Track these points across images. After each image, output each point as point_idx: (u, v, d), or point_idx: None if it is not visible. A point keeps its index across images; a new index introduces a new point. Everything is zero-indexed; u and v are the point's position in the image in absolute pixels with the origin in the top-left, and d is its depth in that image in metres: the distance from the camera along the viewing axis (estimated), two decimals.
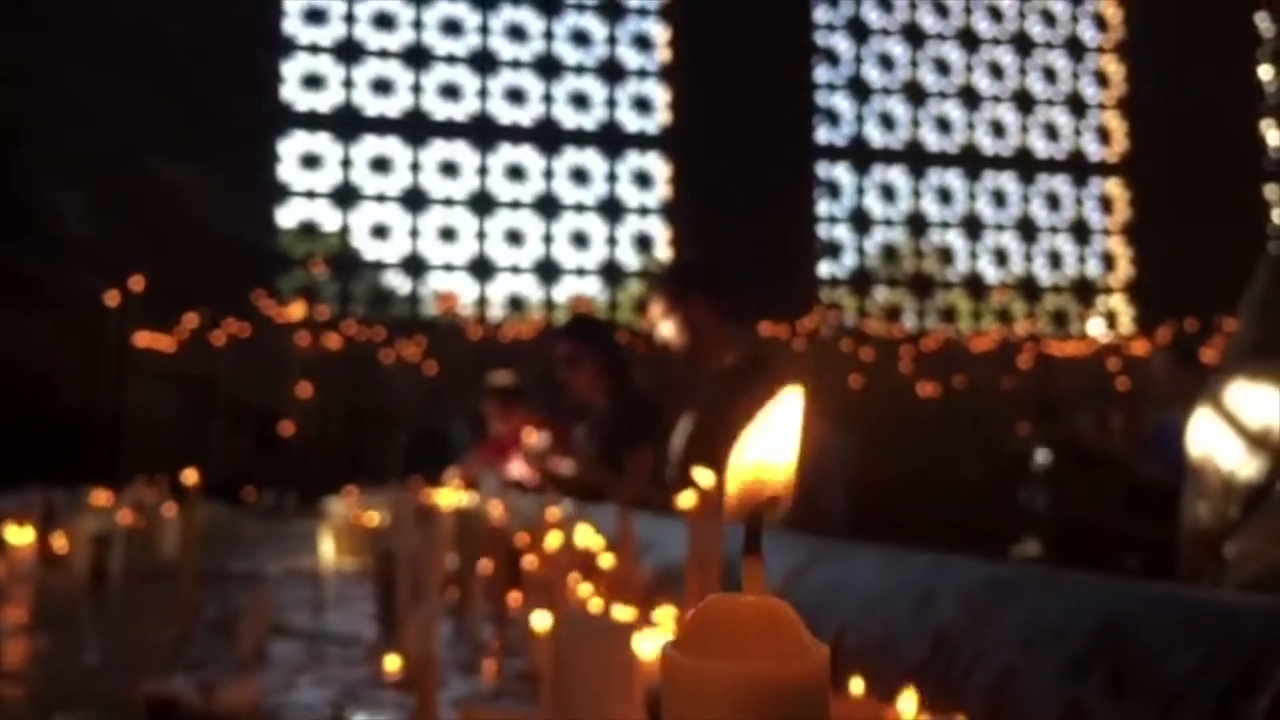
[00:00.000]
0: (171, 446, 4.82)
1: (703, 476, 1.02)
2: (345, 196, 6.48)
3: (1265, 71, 7.97)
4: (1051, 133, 7.64)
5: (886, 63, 7.39)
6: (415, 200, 6.56)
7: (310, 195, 6.43)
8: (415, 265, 6.55)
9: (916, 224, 7.36)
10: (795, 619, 0.32)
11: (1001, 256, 7.48)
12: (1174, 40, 7.40)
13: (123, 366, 5.41)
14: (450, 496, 2.43)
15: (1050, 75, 7.69)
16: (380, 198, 6.53)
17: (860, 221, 7.20)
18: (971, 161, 7.46)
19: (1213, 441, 2.05)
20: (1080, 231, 7.61)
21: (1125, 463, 4.96)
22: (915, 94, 7.40)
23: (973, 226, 7.43)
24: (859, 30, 7.33)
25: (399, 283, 6.70)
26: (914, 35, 7.44)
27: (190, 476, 1.72)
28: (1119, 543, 4.48)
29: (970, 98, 7.51)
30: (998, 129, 7.54)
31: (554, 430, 3.90)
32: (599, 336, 3.88)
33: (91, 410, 5.27)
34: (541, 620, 1.06)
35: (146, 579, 2.13)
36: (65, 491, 2.67)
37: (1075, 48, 7.75)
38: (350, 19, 6.60)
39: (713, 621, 0.32)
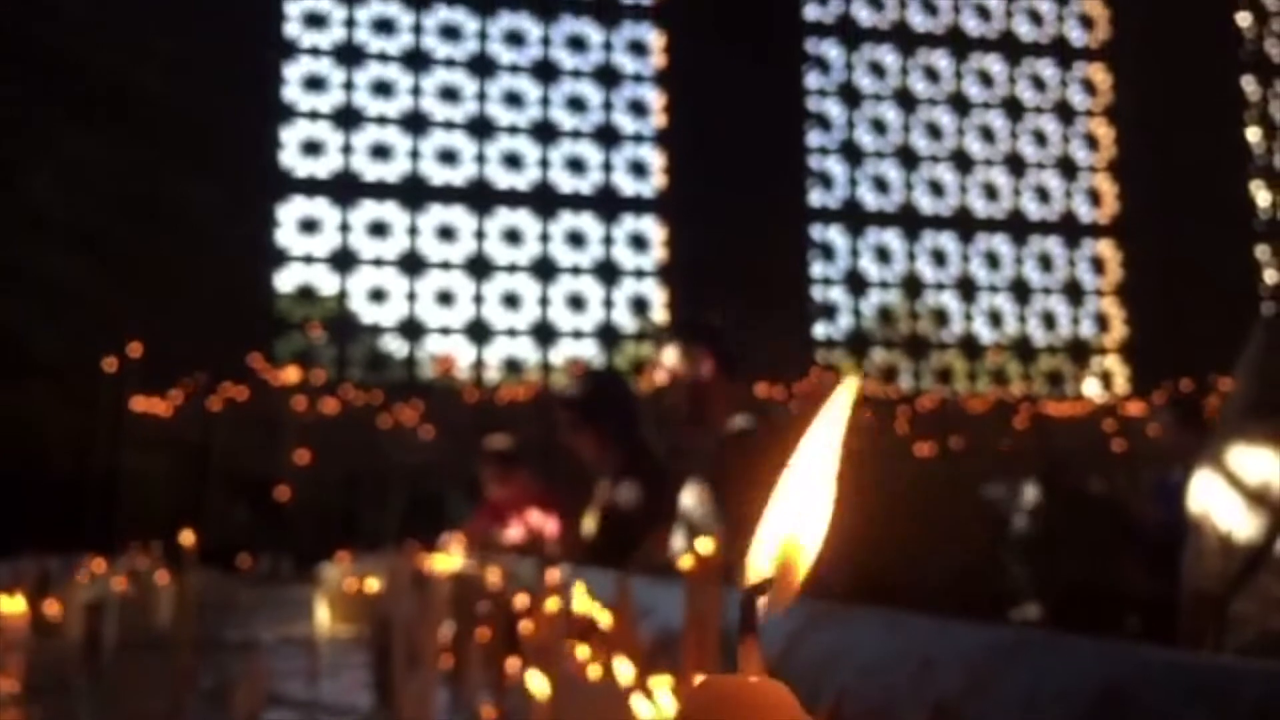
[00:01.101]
0: (167, 512, 4.80)
1: (702, 544, 1.01)
2: (343, 261, 6.52)
3: (1253, 133, 8.07)
4: (1043, 195, 7.71)
5: (879, 127, 7.48)
6: (413, 264, 6.60)
7: (308, 260, 6.47)
8: (412, 329, 6.57)
9: (911, 286, 7.41)
10: (790, 699, 0.32)
11: (996, 318, 7.52)
12: (1162, 103, 7.51)
13: (119, 431, 5.39)
14: (447, 561, 2.41)
15: (1041, 139, 7.79)
16: (378, 262, 6.57)
17: (855, 283, 7.24)
18: (965, 224, 7.53)
19: (1212, 501, 2.05)
20: (1073, 293, 7.65)
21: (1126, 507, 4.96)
22: (908, 158, 7.48)
23: (967, 288, 7.48)
24: (851, 95, 7.43)
25: (396, 346, 6.72)
26: (906, 100, 7.54)
27: (186, 540, 1.71)
28: (1120, 604, 4.45)
29: (962, 161, 7.59)
30: (990, 192, 7.62)
31: (550, 496, 3.87)
32: (602, 404, 3.61)
33: (87, 476, 5.24)
34: (539, 687, 1.06)
35: (141, 647, 2.11)
36: (59, 559, 2.65)
37: (1065, 111, 7.86)
38: (349, 86, 6.68)
39: (709, 702, 0.32)
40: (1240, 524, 1.99)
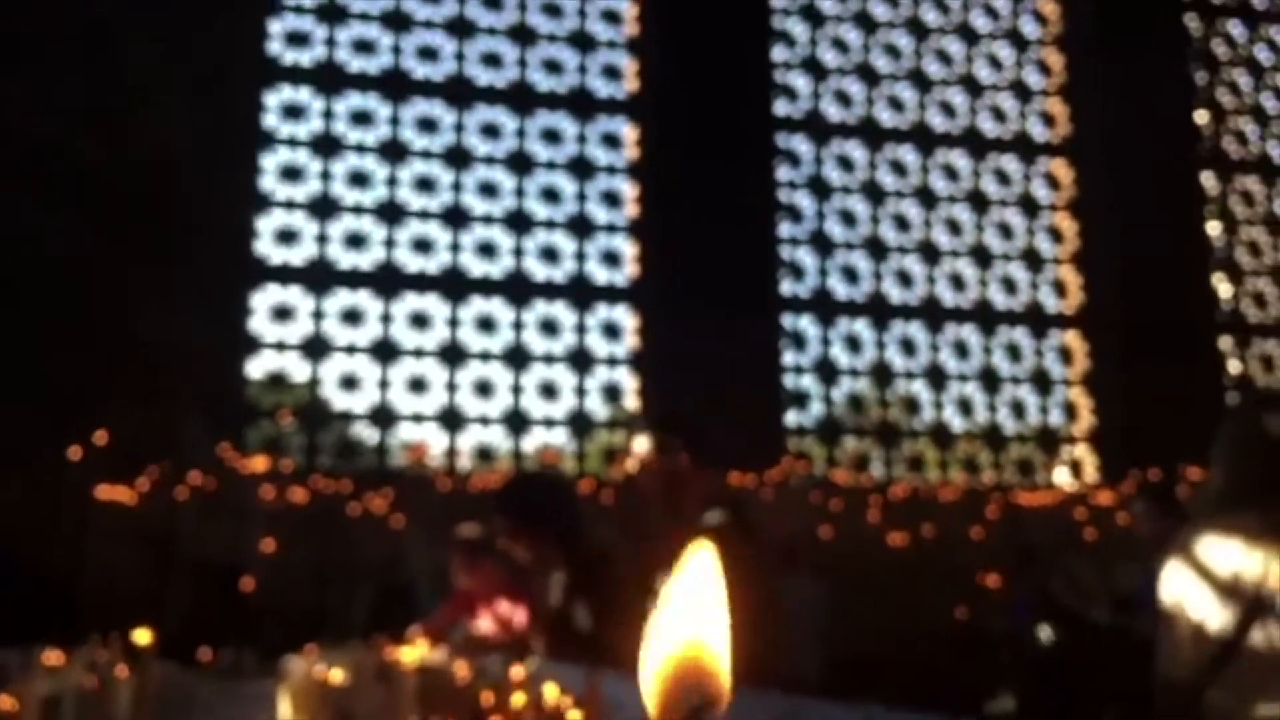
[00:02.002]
0: (130, 603, 4.71)
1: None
2: (315, 348, 6.50)
3: (1213, 227, 8.26)
4: (1009, 286, 7.83)
5: (848, 219, 7.60)
6: (385, 352, 6.60)
7: (280, 347, 6.46)
8: (384, 416, 6.54)
9: (881, 374, 7.46)
10: None
11: (966, 406, 7.57)
12: (1124, 198, 7.68)
13: (83, 520, 5.31)
14: (414, 653, 2.37)
15: (1006, 231, 7.93)
16: (350, 349, 6.57)
17: (826, 372, 7.29)
18: (933, 314, 7.62)
19: (1184, 591, 2.05)
20: (1041, 382, 7.73)
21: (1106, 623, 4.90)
22: (877, 249, 7.60)
23: (936, 377, 7.54)
24: (821, 188, 7.56)
25: (367, 434, 6.68)
26: (874, 193, 7.68)
27: (143, 636, 1.68)
28: (1094, 696, 4.42)
29: (930, 252, 7.71)
30: (957, 283, 7.73)
31: (519, 586, 3.83)
32: (533, 511, 3.55)
33: (50, 566, 5.14)
34: None
35: None
36: (17, 651, 2.58)
37: (1029, 205, 8.02)
38: (326, 176, 6.74)
39: None
40: (1212, 614, 1.99)
